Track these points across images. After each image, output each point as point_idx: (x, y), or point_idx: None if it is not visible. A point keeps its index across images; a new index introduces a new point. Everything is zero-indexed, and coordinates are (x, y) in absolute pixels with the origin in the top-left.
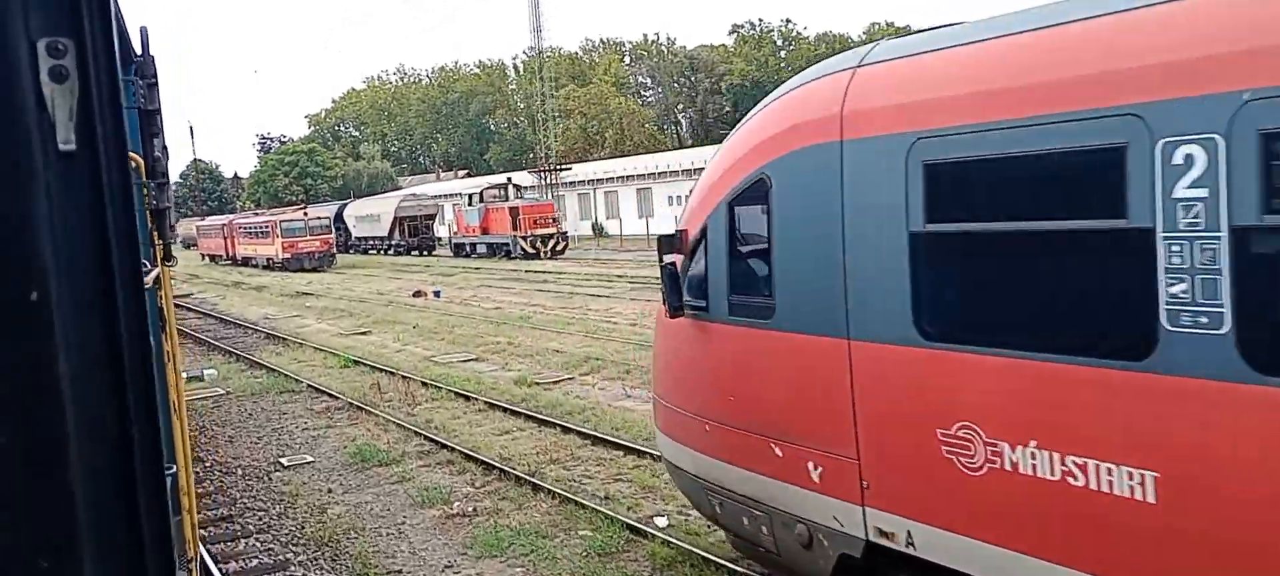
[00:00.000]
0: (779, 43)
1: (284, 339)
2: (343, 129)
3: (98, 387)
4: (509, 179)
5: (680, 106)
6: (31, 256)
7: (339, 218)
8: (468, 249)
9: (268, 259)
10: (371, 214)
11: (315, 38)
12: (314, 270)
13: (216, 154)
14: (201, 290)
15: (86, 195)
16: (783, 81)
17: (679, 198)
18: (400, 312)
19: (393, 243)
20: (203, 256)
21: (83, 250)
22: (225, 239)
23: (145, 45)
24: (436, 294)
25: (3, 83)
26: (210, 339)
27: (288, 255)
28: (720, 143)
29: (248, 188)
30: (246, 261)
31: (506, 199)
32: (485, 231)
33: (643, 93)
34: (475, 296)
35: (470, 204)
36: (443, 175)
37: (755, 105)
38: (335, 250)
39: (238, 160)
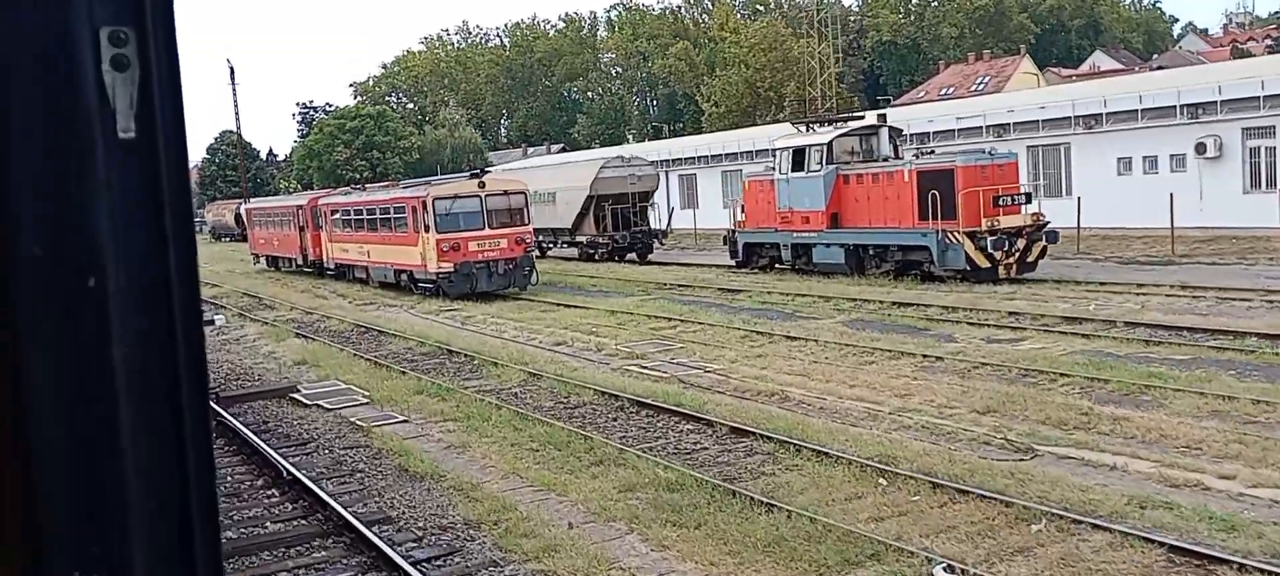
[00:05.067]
0: None
1: None
2: (395, 100)
3: (151, 376)
4: (882, 116)
5: None
6: (89, 243)
7: None
8: (773, 254)
9: (402, 271)
10: (538, 192)
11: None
12: (493, 294)
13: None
14: (305, 364)
15: (145, 184)
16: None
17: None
18: None
19: (581, 239)
20: (255, 258)
21: (139, 238)
22: (302, 231)
23: None
24: None
25: (66, 71)
26: None
27: (449, 267)
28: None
29: (297, 161)
30: (342, 272)
31: (879, 155)
32: (836, 221)
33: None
34: None
35: (799, 166)
36: (530, 151)
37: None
38: (535, 256)
39: (270, 135)
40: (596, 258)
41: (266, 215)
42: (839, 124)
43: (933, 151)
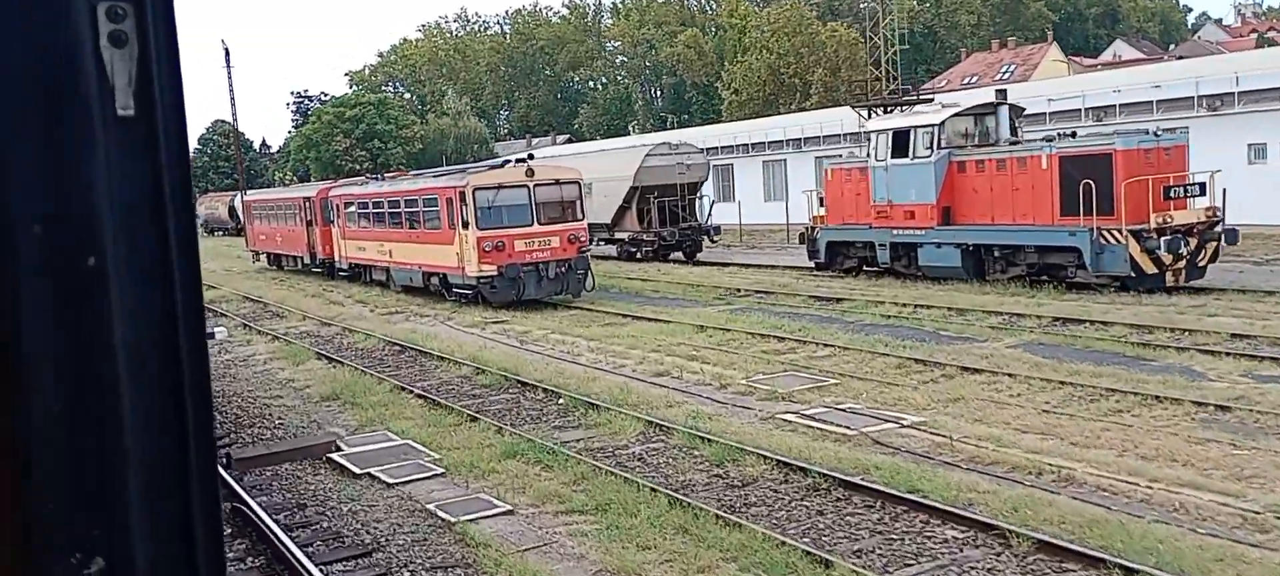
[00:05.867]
0: None
1: None
2: (392, 90)
3: (154, 354)
4: (1002, 93)
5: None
6: (89, 222)
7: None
8: (864, 254)
9: (432, 273)
10: None
11: None
12: (541, 302)
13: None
14: (337, 400)
15: (144, 161)
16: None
17: None
18: None
19: (622, 236)
20: (255, 255)
21: (140, 216)
22: (309, 226)
23: None
24: None
25: (63, 47)
26: None
27: (492, 270)
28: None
29: (294, 151)
30: (357, 273)
31: (998, 138)
32: (948, 216)
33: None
34: None
35: (902, 151)
36: (534, 142)
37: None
38: (589, 254)
39: (262, 126)
40: (638, 257)
41: (268, 208)
42: (947, 104)
43: (1073, 134)
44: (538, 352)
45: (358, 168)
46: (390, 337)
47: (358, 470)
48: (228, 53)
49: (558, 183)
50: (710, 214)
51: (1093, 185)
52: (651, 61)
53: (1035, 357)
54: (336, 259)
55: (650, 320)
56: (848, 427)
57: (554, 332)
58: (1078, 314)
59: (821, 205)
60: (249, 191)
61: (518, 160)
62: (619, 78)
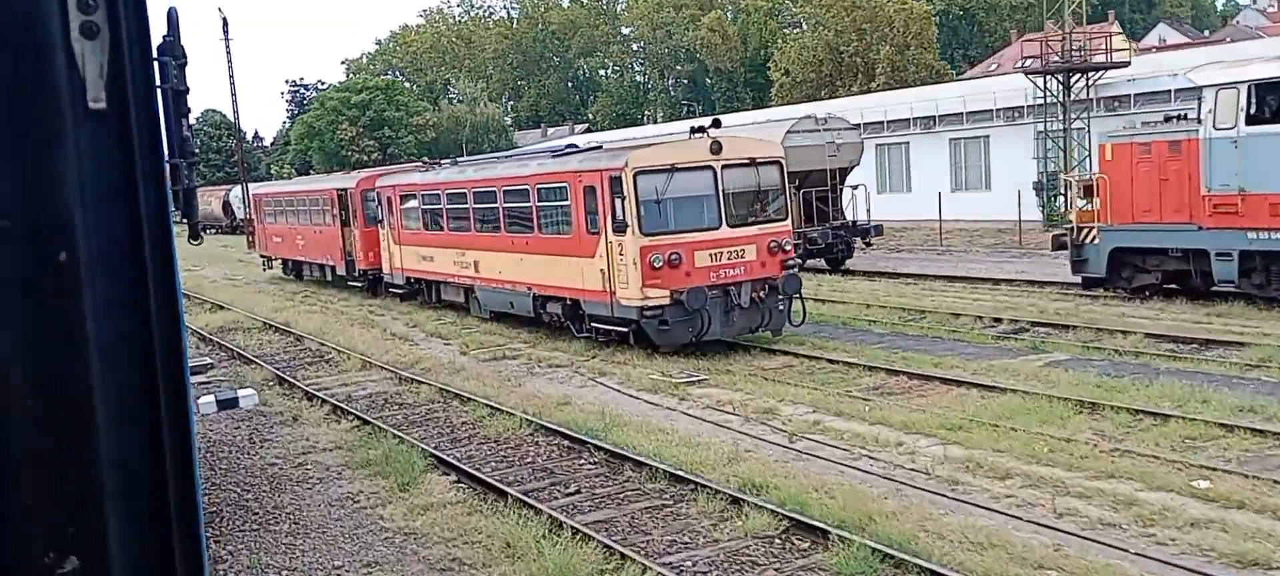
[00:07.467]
0: None
1: None
2: (393, 78)
3: (126, 352)
4: None
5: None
6: (60, 216)
7: None
8: (1181, 267)
9: (552, 298)
10: None
11: None
12: (717, 341)
13: (222, 106)
14: None
15: (116, 155)
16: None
17: None
18: None
19: None
20: (266, 261)
21: (112, 211)
22: (345, 227)
23: (175, 26)
24: None
25: (33, 39)
26: None
27: (662, 296)
28: None
29: (295, 141)
30: (417, 290)
31: None
32: None
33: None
34: None
35: (1270, 114)
36: (549, 132)
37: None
38: (797, 268)
39: (254, 118)
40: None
41: (285, 204)
42: (1078, 74)
43: None
44: (844, 464)
45: (366, 158)
46: (539, 418)
47: None
48: (226, 22)
49: (754, 163)
50: (866, 208)
51: None
52: (670, 47)
53: None
54: (386, 271)
55: (951, 382)
56: None
57: (816, 412)
58: None
59: (1087, 197)
60: (260, 184)
61: (694, 130)
62: (633, 65)
